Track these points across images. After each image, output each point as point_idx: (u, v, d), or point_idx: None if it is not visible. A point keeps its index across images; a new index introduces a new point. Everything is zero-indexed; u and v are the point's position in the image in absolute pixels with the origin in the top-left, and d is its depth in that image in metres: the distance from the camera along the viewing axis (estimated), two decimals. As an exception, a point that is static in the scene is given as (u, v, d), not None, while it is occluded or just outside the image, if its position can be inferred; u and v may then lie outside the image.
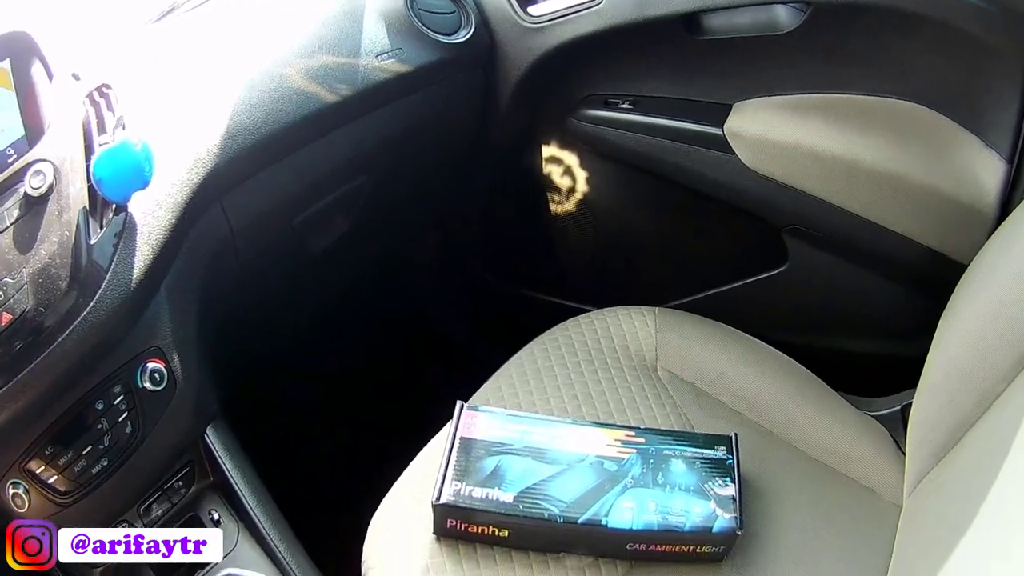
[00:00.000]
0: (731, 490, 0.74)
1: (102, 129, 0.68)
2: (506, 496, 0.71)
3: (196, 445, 0.76)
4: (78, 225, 0.62)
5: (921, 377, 0.80)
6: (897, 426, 0.91)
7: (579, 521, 0.71)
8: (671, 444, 0.78)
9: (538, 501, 0.72)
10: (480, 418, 0.78)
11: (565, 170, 1.19)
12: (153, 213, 0.69)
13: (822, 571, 0.76)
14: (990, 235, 0.83)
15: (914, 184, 0.91)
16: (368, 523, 0.76)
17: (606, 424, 0.80)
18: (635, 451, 0.76)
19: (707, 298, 1.17)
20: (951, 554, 0.60)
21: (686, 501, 0.73)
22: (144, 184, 0.66)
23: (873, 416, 0.93)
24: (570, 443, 0.77)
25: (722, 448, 0.78)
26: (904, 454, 0.84)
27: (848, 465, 0.87)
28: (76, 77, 0.70)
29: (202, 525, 0.77)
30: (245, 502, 0.76)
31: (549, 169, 1.20)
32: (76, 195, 0.62)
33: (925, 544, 0.70)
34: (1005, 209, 0.88)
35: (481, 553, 0.73)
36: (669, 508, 0.72)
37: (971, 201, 0.89)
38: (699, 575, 0.75)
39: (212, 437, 0.76)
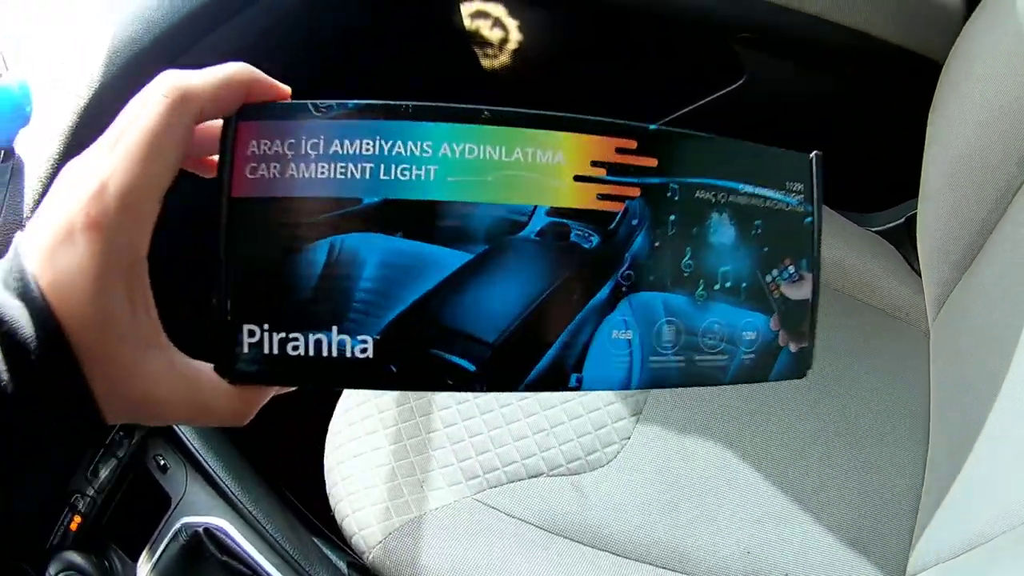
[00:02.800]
0: (806, 287, 0.36)
1: None
2: (358, 347, 0.30)
3: None
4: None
5: (921, 182, 0.76)
6: (903, 241, 0.87)
7: (522, 384, 0.31)
8: (712, 175, 0.33)
9: (425, 348, 0.31)
10: (276, 130, 0.30)
11: (494, 22, 1.13)
12: (40, 148, 0.66)
13: (854, 409, 0.73)
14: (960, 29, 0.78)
15: None
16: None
17: (560, 122, 0.31)
18: (638, 193, 0.32)
19: (666, 126, 1.11)
20: (996, 394, 0.59)
21: (731, 316, 0.34)
22: (25, 120, 0.64)
23: (875, 232, 0.88)
24: (489, 188, 0.31)
25: (797, 187, 0.35)
26: (917, 273, 0.80)
27: (860, 289, 0.82)
28: None
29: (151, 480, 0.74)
30: (188, 442, 0.72)
31: (476, 25, 1.14)
32: None
33: (964, 378, 0.68)
34: (972, 3, 0.82)
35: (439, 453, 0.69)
36: (700, 335, 0.34)
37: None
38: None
39: None
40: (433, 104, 0.30)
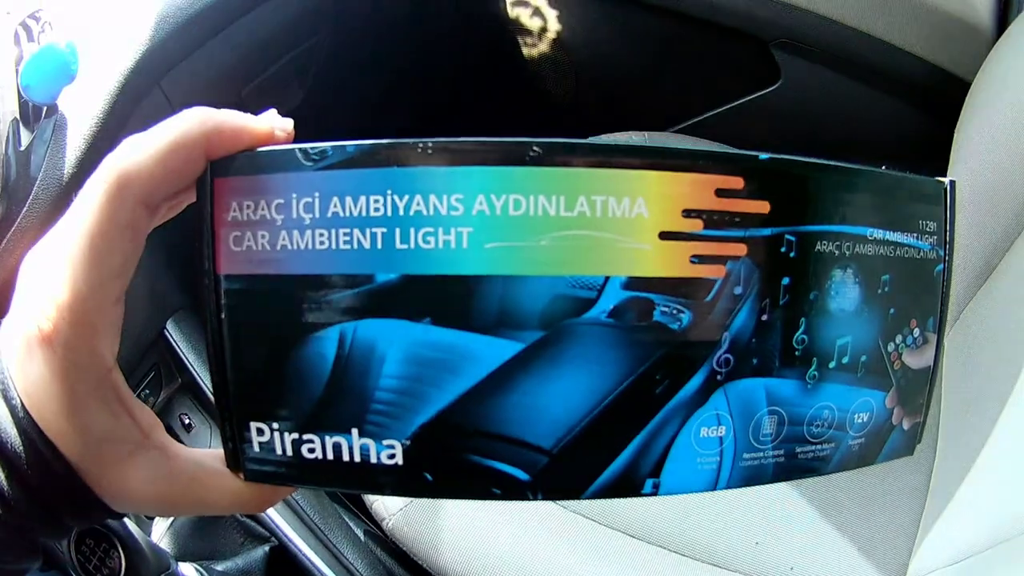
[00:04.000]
0: (928, 352, 0.28)
1: (31, 40, 0.68)
2: (384, 453, 0.24)
3: (158, 344, 0.73)
4: (7, 138, 0.61)
5: None
6: None
7: (586, 494, 0.25)
8: (837, 220, 0.25)
9: (464, 456, 0.24)
10: (260, 188, 0.24)
11: (534, 11, 1.14)
12: (85, 106, 0.67)
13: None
14: (989, 50, 0.80)
15: None
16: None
17: (642, 155, 0.23)
18: (744, 252, 0.24)
19: (699, 124, 1.12)
20: (1005, 404, 0.60)
21: (845, 398, 0.27)
22: (71, 79, 0.65)
23: None
24: (544, 255, 0.23)
25: (930, 227, 0.27)
26: None
27: None
28: (7, 12, 0.69)
29: (175, 438, 0.75)
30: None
31: (516, 13, 1.14)
32: (7, 111, 0.62)
33: (976, 390, 0.69)
34: (1002, 25, 0.86)
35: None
36: (806, 424, 0.26)
37: (964, 16, 0.86)
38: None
39: (173, 332, 0.72)
40: (462, 141, 0.22)
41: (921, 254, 0.27)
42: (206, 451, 0.26)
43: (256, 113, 0.25)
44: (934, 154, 0.81)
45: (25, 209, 0.62)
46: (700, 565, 0.66)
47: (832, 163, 0.25)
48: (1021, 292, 0.67)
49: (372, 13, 1.02)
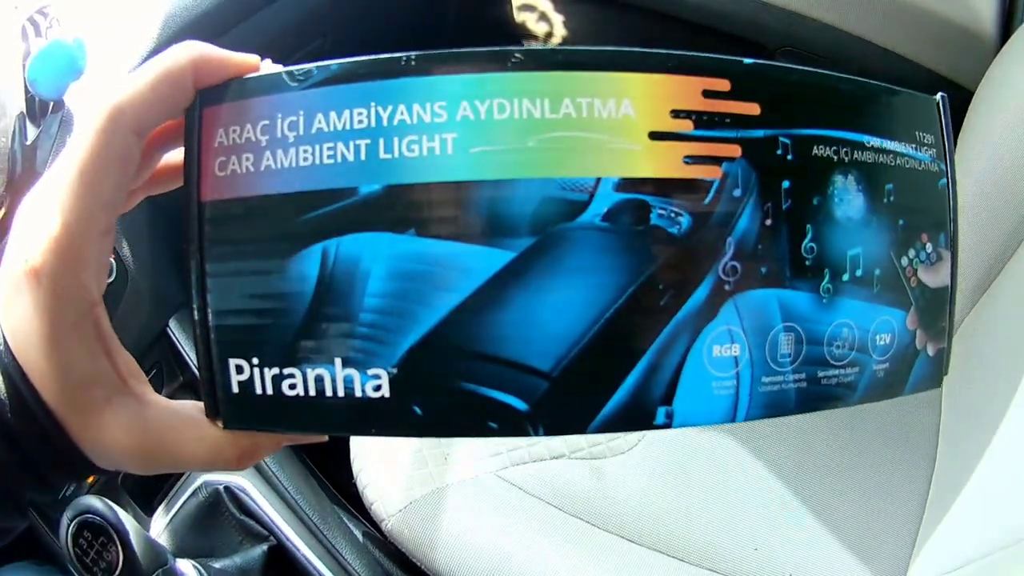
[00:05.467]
0: (944, 269, 0.27)
1: (38, 36, 0.69)
2: (369, 384, 0.22)
3: (161, 343, 0.73)
4: (13, 132, 0.62)
5: None
6: None
7: (593, 425, 0.22)
8: (832, 125, 0.24)
9: (457, 383, 0.22)
10: (245, 112, 0.23)
11: (540, 16, 1.14)
12: (91, 102, 0.68)
13: (866, 421, 0.74)
14: (992, 59, 0.80)
15: (908, 3, 0.87)
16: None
17: (625, 59, 0.22)
18: (739, 153, 0.23)
19: None
20: (1004, 413, 0.60)
21: (863, 315, 0.25)
22: (78, 75, 0.65)
23: None
24: (531, 157, 0.22)
25: (928, 139, 0.27)
26: None
27: None
28: (15, 7, 0.69)
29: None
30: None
31: (523, 18, 1.15)
32: (13, 105, 0.62)
33: (976, 398, 0.69)
34: (1005, 34, 0.86)
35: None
36: (826, 343, 0.24)
37: (967, 25, 0.86)
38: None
39: (176, 330, 0.72)
40: (444, 52, 0.22)
41: (923, 165, 0.26)
42: (186, 402, 0.26)
43: None
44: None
45: (28, 203, 0.62)
46: (698, 570, 0.65)
47: (819, 70, 0.24)
48: (1019, 305, 0.67)
49: (377, 17, 1.03)
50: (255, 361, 0.23)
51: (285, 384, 0.23)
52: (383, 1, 1.03)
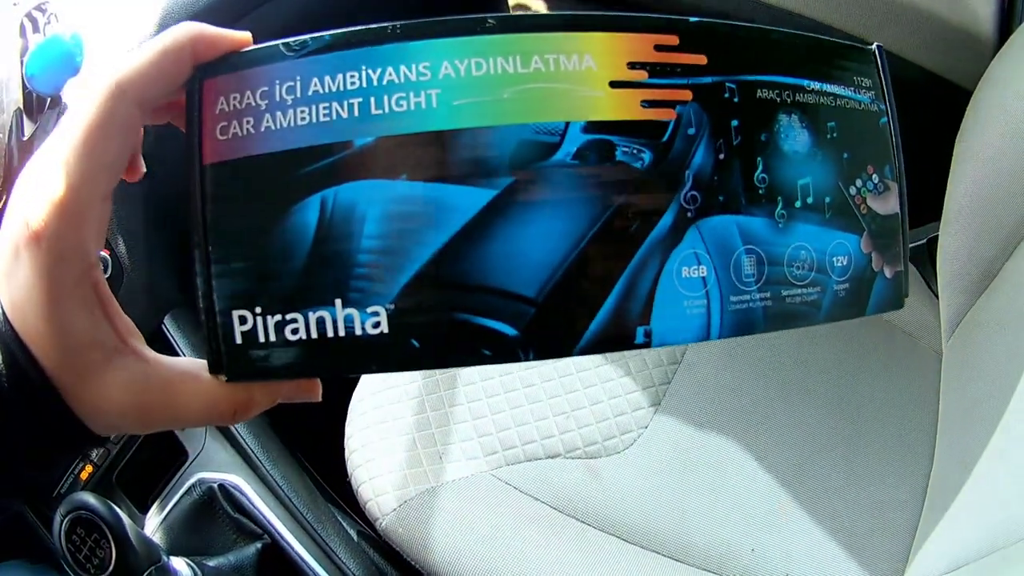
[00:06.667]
0: (893, 198, 0.30)
1: (36, 31, 0.69)
2: (369, 322, 0.25)
3: (155, 340, 0.74)
4: (11, 128, 0.62)
5: (944, 206, 0.77)
6: (923, 262, 0.88)
7: (579, 346, 0.25)
8: (773, 71, 0.28)
9: (451, 314, 0.25)
10: (244, 81, 0.25)
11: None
12: (94, 76, 0.69)
13: (864, 420, 0.74)
14: (991, 60, 0.80)
15: (906, 3, 0.87)
16: (348, 405, 0.74)
17: (583, 21, 0.25)
18: (690, 97, 0.26)
19: None
20: (1002, 414, 0.60)
21: (819, 238, 0.28)
22: (75, 70, 0.66)
23: None
24: (507, 107, 0.25)
25: (866, 83, 0.31)
26: (934, 294, 0.81)
27: None
28: (15, 3, 0.71)
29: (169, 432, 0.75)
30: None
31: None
32: (11, 100, 0.63)
33: (973, 398, 0.69)
34: (1004, 34, 0.85)
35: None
36: (785, 264, 0.28)
37: (965, 25, 0.86)
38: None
39: (170, 327, 0.73)
40: (426, 20, 0.25)
41: (862, 106, 0.30)
42: (185, 359, 0.27)
43: None
44: (935, 163, 0.81)
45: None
46: (695, 571, 0.65)
47: (754, 25, 0.27)
48: (1020, 301, 0.67)
49: (375, 15, 1.03)
50: (258, 310, 0.25)
51: (288, 329, 0.25)
52: (380, 1, 1.04)
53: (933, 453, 0.72)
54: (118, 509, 0.59)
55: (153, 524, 0.73)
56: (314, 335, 0.24)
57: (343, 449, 0.72)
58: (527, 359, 0.24)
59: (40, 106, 0.67)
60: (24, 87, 0.66)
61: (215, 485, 0.71)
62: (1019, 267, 0.69)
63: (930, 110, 0.95)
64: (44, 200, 0.24)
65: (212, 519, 0.72)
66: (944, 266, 0.77)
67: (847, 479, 0.71)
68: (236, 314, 0.25)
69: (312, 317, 0.24)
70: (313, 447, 0.82)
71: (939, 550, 0.61)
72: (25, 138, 0.65)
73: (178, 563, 0.62)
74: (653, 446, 0.71)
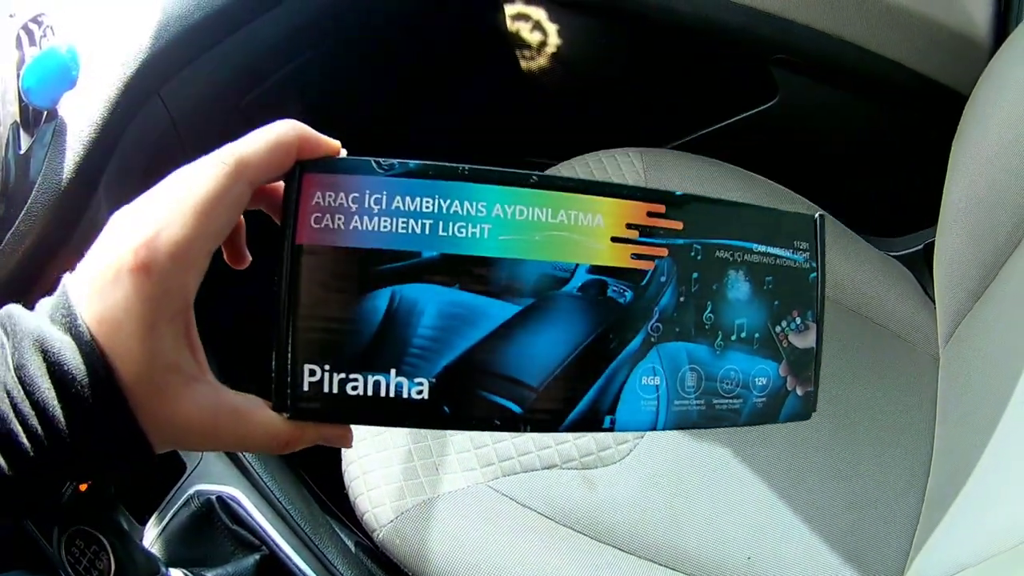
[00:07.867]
0: (811, 336, 0.39)
1: (32, 44, 0.69)
2: (414, 389, 0.32)
3: None
4: (7, 141, 0.62)
5: (940, 212, 0.77)
6: (920, 267, 0.89)
7: (563, 425, 0.34)
8: (730, 236, 0.37)
9: (476, 391, 0.33)
10: (340, 184, 0.32)
11: (534, 25, 1.14)
12: (84, 112, 0.68)
13: (861, 426, 0.74)
14: (987, 63, 0.80)
15: (901, 8, 0.87)
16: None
17: (600, 188, 0.35)
18: (666, 253, 0.35)
19: (697, 141, 1.12)
20: (1000, 417, 0.60)
21: (746, 363, 0.37)
22: (71, 84, 0.66)
23: (894, 257, 0.89)
24: (536, 246, 0.34)
25: (803, 246, 0.39)
26: (931, 299, 0.82)
27: (875, 311, 0.83)
28: (11, 15, 0.70)
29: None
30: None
31: (517, 27, 1.15)
32: (7, 113, 0.63)
33: (971, 402, 0.69)
34: (999, 38, 0.85)
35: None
36: (718, 381, 0.36)
37: (961, 29, 0.86)
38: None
39: None
40: (487, 168, 0.32)
41: (796, 264, 0.38)
42: (246, 395, 0.31)
43: (258, 123, 0.32)
44: (931, 167, 0.81)
45: (23, 212, 0.62)
46: (691, 580, 0.65)
47: (725, 199, 0.36)
48: (1017, 306, 0.67)
49: (371, 26, 1.03)
50: (327, 367, 0.31)
51: (349, 386, 0.31)
52: (377, 15, 1.04)
53: (930, 459, 0.72)
54: (117, 521, 0.60)
55: (152, 536, 0.73)
56: (369, 393, 0.31)
57: (340, 461, 0.72)
58: (525, 431, 0.32)
59: (36, 120, 0.67)
60: (20, 100, 0.66)
61: (213, 497, 0.71)
62: (1017, 269, 0.69)
63: (926, 115, 0.95)
64: (160, 239, 0.27)
65: (210, 531, 0.72)
66: (941, 270, 0.77)
67: (843, 485, 0.71)
68: (307, 367, 0.31)
69: (371, 380, 0.31)
70: (310, 459, 0.82)
71: (937, 555, 0.61)
72: (22, 152, 0.65)
73: (176, 574, 0.62)
74: (648, 456, 0.72)
